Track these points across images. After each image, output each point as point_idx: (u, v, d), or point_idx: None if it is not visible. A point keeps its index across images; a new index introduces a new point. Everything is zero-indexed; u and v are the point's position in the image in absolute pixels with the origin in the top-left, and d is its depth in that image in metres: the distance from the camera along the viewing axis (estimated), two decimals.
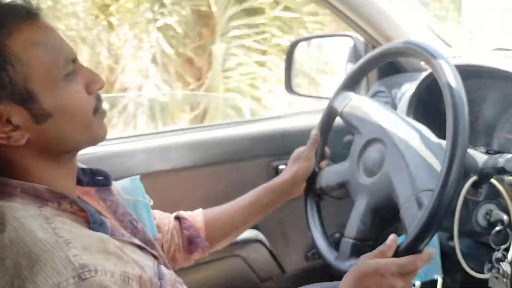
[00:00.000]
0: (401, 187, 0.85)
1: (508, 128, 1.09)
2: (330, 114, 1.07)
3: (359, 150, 0.97)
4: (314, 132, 1.07)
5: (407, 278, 0.76)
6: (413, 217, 0.79)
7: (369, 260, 0.77)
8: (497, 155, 0.81)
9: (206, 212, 1.04)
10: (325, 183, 1.04)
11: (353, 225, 0.92)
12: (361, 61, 1.03)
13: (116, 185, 0.87)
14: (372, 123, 0.96)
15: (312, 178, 1.06)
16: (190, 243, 0.99)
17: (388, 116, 0.97)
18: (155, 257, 0.74)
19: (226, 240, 1.06)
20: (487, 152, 1.05)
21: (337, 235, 1.38)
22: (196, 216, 1.02)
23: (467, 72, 1.08)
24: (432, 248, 0.79)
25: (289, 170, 1.05)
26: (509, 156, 0.79)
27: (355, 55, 1.44)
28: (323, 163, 1.08)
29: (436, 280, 1.13)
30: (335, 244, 1.01)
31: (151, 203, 0.92)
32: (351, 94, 1.04)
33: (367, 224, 0.92)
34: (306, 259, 1.46)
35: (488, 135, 1.14)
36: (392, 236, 0.78)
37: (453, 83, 0.76)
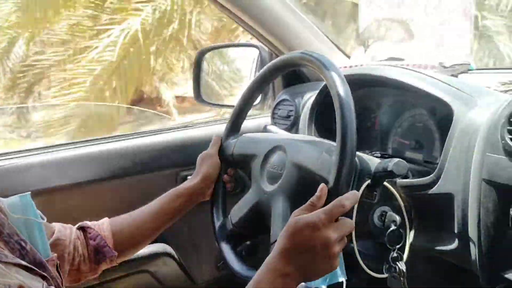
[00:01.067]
0: (310, 158, 0.88)
1: (401, 132, 1.16)
2: (223, 160, 1.09)
3: (259, 169, 0.99)
4: (215, 136, 1.12)
5: (340, 228, 0.74)
6: (328, 166, 0.81)
7: (300, 215, 0.75)
8: (387, 160, 0.86)
9: (112, 220, 1.00)
10: (236, 219, 1.02)
11: (277, 229, 0.89)
12: (244, 95, 1.08)
13: (3, 203, 0.80)
14: (266, 141, 1.02)
15: (222, 224, 1.05)
16: (96, 254, 0.95)
17: (278, 133, 1.06)
18: (45, 278, 0.69)
19: (136, 249, 1.03)
20: (382, 157, 1.12)
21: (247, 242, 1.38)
22: (102, 225, 0.98)
23: (363, 81, 1.15)
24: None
25: (197, 172, 1.06)
26: (396, 160, 0.84)
27: (261, 64, 1.47)
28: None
29: (341, 283, 1.17)
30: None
31: (45, 220, 0.86)
32: (236, 136, 1.09)
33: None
34: (218, 269, 1.44)
35: (384, 140, 1.21)
36: (321, 186, 0.77)
37: (342, 93, 0.80)
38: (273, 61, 1.02)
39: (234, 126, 1.11)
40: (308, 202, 0.76)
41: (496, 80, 1.07)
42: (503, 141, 0.77)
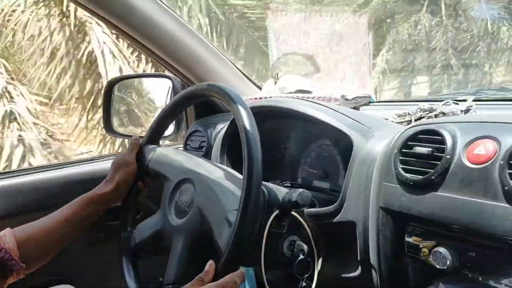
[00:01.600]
0: (213, 215, 0.87)
1: (309, 162, 1.20)
2: (139, 167, 1.07)
3: (169, 195, 0.98)
4: (133, 137, 1.09)
5: None
6: (225, 236, 0.81)
7: None
8: (292, 190, 0.88)
9: (16, 230, 0.92)
10: (139, 239, 1.01)
11: (172, 270, 0.90)
12: (161, 112, 1.08)
13: None
14: (179, 167, 1.00)
15: (127, 237, 1.03)
16: (1, 268, 0.87)
17: (193, 159, 1.02)
18: None
19: (44, 259, 0.96)
20: (292, 186, 1.15)
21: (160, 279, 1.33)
22: (4, 237, 0.89)
23: (272, 113, 1.18)
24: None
25: (112, 178, 1.03)
26: (300, 190, 0.86)
27: (174, 95, 1.46)
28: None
29: None
30: None
31: None
32: (154, 147, 1.08)
33: (186, 265, 0.91)
34: None
35: (294, 170, 1.23)
36: (209, 262, 0.78)
37: (248, 126, 0.82)
38: (181, 93, 1.03)
39: (153, 137, 1.10)
40: (197, 277, 0.77)
41: (393, 112, 1.14)
42: (396, 170, 0.82)
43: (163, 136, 1.16)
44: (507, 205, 0.67)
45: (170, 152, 1.07)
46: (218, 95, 0.91)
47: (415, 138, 0.83)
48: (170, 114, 1.08)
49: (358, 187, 0.91)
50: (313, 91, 1.33)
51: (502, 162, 0.69)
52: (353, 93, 1.27)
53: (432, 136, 0.80)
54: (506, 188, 0.67)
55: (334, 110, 1.04)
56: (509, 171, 0.68)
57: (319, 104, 1.08)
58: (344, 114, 1.02)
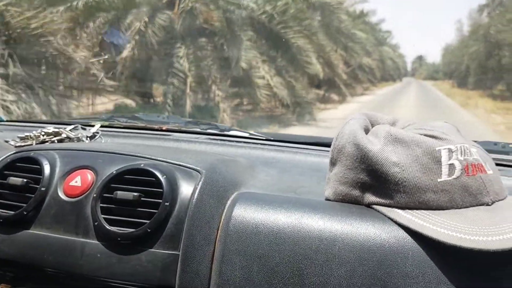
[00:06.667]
0: None
1: None
2: None
3: None
4: None
5: None
6: None
7: None
8: None
9: None
10: None
11: None
12: None
13: None
14: None
15: None
16: None
17: None
18: None
19: None
20: None
21: None
22: None
23: None
24: None
25: None
26: None
27: None
28: None
29: None
30: None
31: None
32: None
33: None
34: None
35: None
36: None
37: None
38: None
39: None
40: None
41: (17, 134, 1.00)
42: None
43: None
44: (97, 242, 0.63)
45: None
46: None
47: (12, 166, 0.71)
48: None
49: None
50: None
51: (95, 195, 0.65)
52: None
53: (30, 165, 0.70)
54: (96, 223, 0.63)
55: None
56: (101, 204, 0.64)
57: None
58: None
